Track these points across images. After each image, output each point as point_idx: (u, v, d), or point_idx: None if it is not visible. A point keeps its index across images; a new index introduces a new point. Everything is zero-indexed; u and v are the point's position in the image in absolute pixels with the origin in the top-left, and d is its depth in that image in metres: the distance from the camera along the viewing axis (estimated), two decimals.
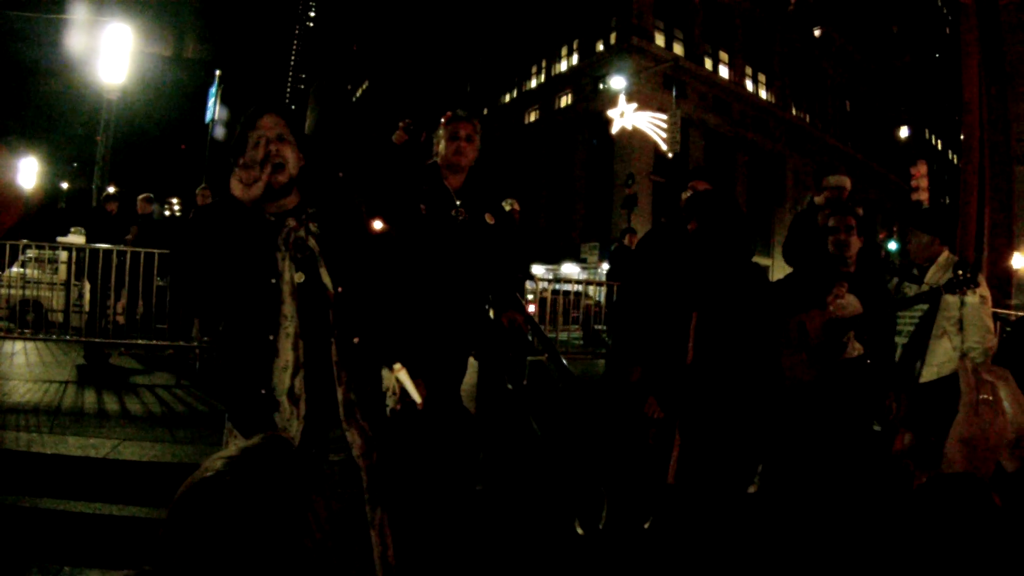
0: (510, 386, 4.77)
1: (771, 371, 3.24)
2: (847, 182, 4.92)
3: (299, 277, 2.10)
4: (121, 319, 6.94)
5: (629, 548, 3.15)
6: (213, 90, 27.57)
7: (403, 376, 2.24)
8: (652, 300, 3.20)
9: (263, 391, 2.06)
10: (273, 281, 2.07)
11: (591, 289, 12.52)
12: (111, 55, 15.52)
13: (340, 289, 2.16)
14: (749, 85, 36.23)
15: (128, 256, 6.33)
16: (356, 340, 2.18)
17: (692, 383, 2.99)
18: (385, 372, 2.28)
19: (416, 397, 2.24)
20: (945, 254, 3.92)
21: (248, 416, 2.08)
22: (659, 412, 3.04)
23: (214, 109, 27.20)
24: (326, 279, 2.14)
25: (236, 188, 1.97)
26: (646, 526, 3.13)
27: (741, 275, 3.11)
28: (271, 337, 2.06)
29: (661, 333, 3.11)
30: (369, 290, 2.27)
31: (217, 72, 28.24)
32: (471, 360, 4.09)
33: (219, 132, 28.07)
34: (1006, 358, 3.84)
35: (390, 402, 2.27)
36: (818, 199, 4.95)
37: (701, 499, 3.00)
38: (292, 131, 2.15)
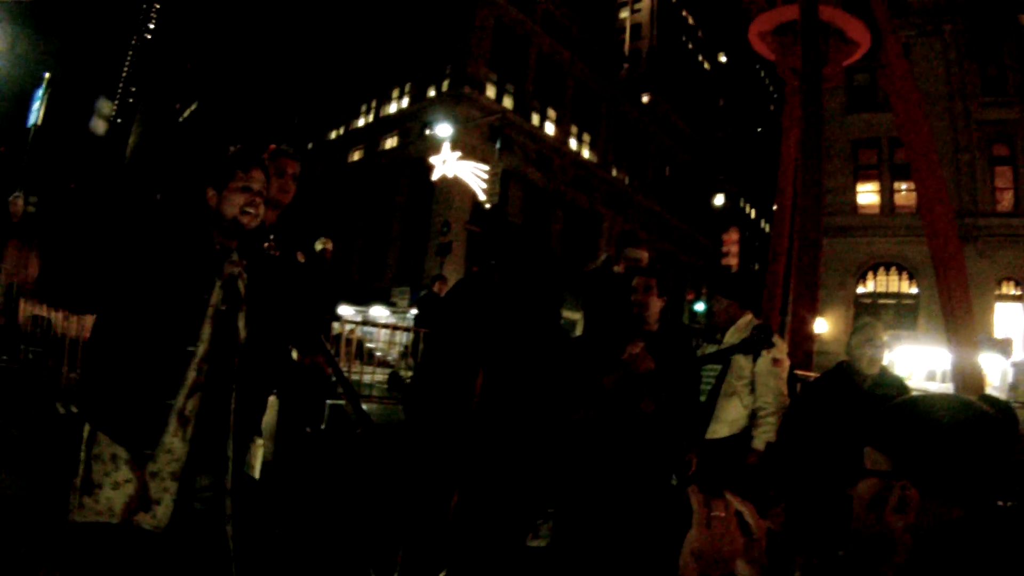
0: (308, 429, 4.74)
1: (560, 427, 3.30)
2: (645, 256, 5.04)
3: (223, 306, 2.18)
4: None
5: None
6: (40, 93, 24.88)
7: (260, 452, 2.46)
8: (451, 350, 3.26)
9: (169, 402, 2.06)
10: (205, 298, 2.14)
11: (398, 334, 12.31)
12: None
13: (247, 341, 2.23)
14: (573, 143, 37.61)
15: None
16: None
17: (473, 435, 3.08)
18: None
19: (256, 473, 2.46)
20: (747, 317, 4.08)
21: (143, 428, 2.04)
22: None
23: (38, 113, 24.51)
24: (241, 325, 2.21)
25: (233, 210, 2.19)
26: None
27: (542, 330, 3.20)
28: (190, 348, 2.09)
29: (453, 384, 3.17)
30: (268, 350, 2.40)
31: (46, 75, 25.59)
32: (271, 399, 4.05)
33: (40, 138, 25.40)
34: (798, 414, 3.98)
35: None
36: (617, 268, 5.05)
37: (476, 547, 3.09)
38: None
